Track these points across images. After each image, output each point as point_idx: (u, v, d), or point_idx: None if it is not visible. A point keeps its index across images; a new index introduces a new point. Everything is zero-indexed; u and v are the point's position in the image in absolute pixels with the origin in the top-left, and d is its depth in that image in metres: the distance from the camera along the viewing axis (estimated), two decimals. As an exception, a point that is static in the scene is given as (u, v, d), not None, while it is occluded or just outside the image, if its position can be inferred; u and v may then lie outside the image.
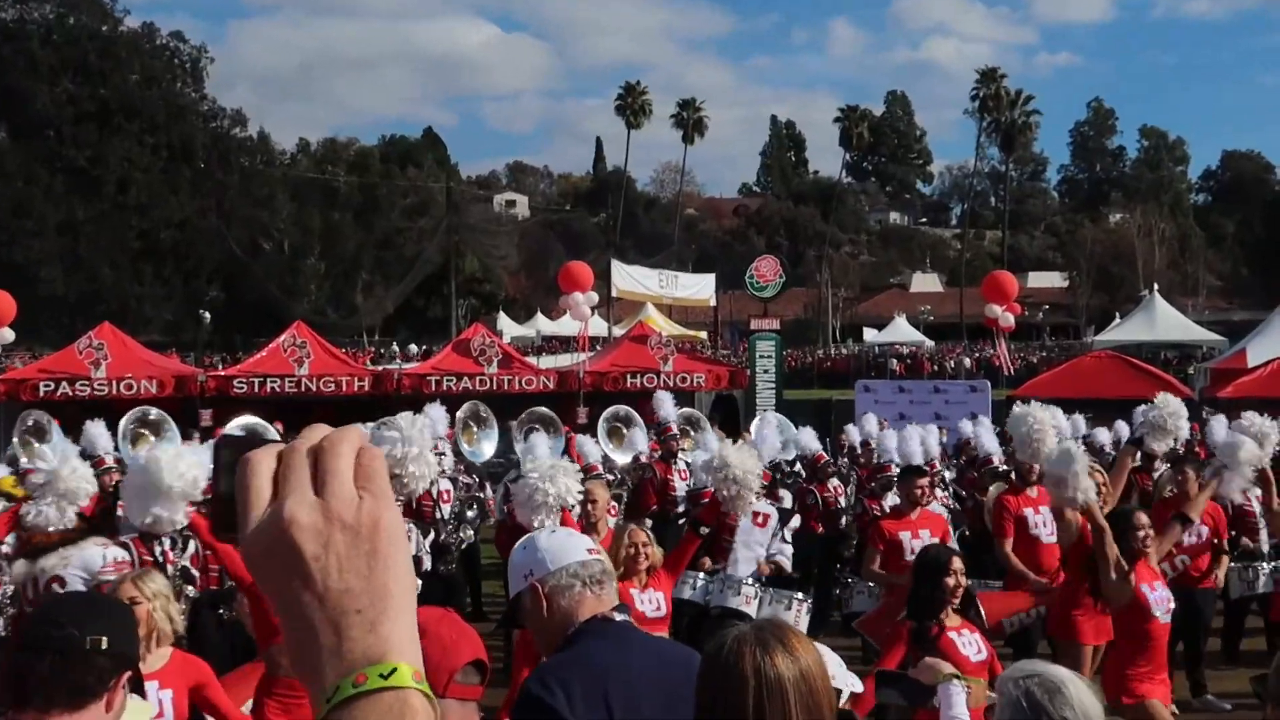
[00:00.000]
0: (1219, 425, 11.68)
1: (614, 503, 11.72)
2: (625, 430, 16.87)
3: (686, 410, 18.79)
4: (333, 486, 1.12)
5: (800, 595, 9.63)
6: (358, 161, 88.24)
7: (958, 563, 5.96)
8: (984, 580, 9.71)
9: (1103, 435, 14.19)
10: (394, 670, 1.08)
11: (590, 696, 3.08)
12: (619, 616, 3.33)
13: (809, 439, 14.40)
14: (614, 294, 37.26)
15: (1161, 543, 7.37)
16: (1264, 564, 10.22)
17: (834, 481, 13.30)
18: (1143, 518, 7.19)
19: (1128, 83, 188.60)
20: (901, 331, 68.26)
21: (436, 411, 13.63)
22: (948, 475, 14.53)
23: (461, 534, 12.45)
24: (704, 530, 7.38)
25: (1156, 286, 50.78)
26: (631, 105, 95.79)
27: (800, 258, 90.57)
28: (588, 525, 8.43)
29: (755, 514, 9.65)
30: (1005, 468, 11.69)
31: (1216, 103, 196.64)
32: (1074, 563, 7.80)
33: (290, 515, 1.10)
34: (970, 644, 5.85)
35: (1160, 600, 7.00)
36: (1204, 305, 77.92)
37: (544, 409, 16.09)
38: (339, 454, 1.13)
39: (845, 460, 15.75)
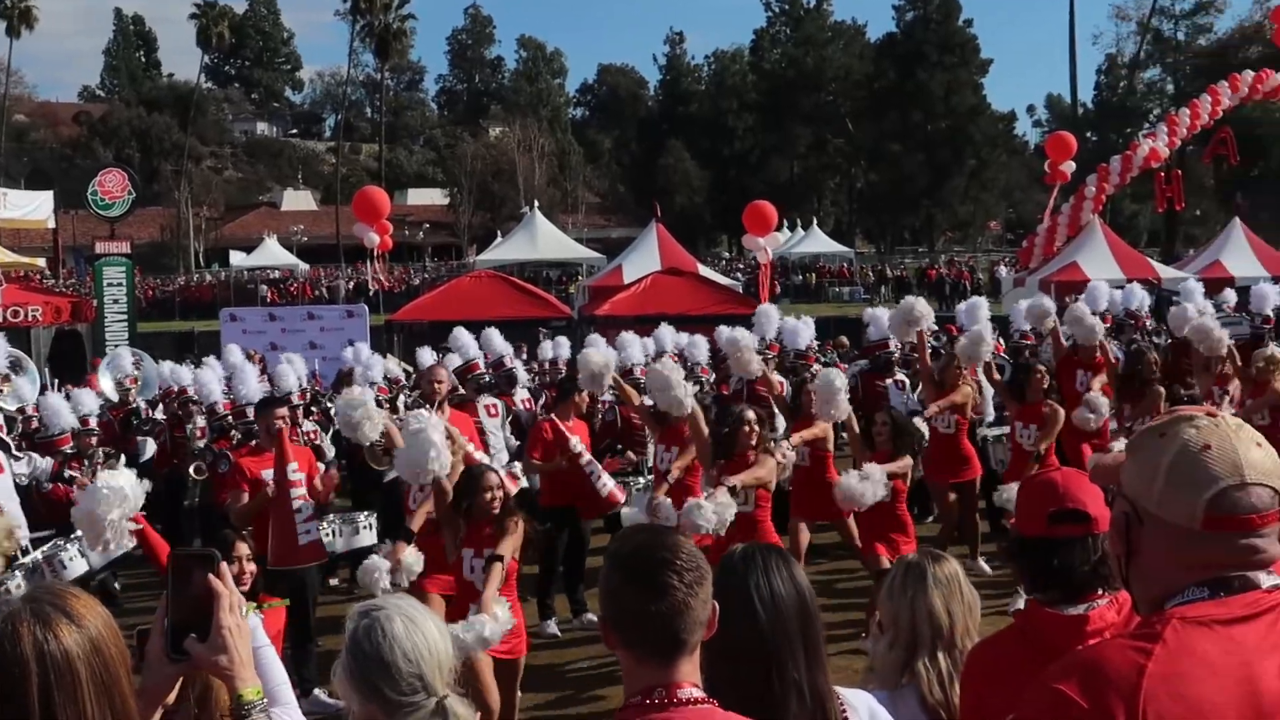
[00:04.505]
0: (596, 341, 12.55)
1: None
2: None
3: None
4: None
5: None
6: None
7: (243, 548, 6.48)
8: None
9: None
10: None
11: None
12: None
13: (182, 374, 13.99)
14: (-76, 215, 34.03)
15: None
16: (640, 479, 11.10)
17: (200, 421, 12.97)
18: (493, 478, 7.65)
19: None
20: (273, 254, 67.43)
21: None
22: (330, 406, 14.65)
23: None
24: None
25: (537, 204, 53.48)
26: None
27: (155, 173, 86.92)
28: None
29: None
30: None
31: (592, 14, 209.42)
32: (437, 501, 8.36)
33: None
34: None
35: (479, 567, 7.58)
36: (583, 223, 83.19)
37: None
38: None
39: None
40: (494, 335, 13.81)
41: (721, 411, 8.84)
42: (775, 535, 8.90)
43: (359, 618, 3.03)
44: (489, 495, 7.25)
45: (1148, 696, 2.00)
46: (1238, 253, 32.57)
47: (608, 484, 10.25)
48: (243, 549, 6.36)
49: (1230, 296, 18.87)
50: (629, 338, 13.01)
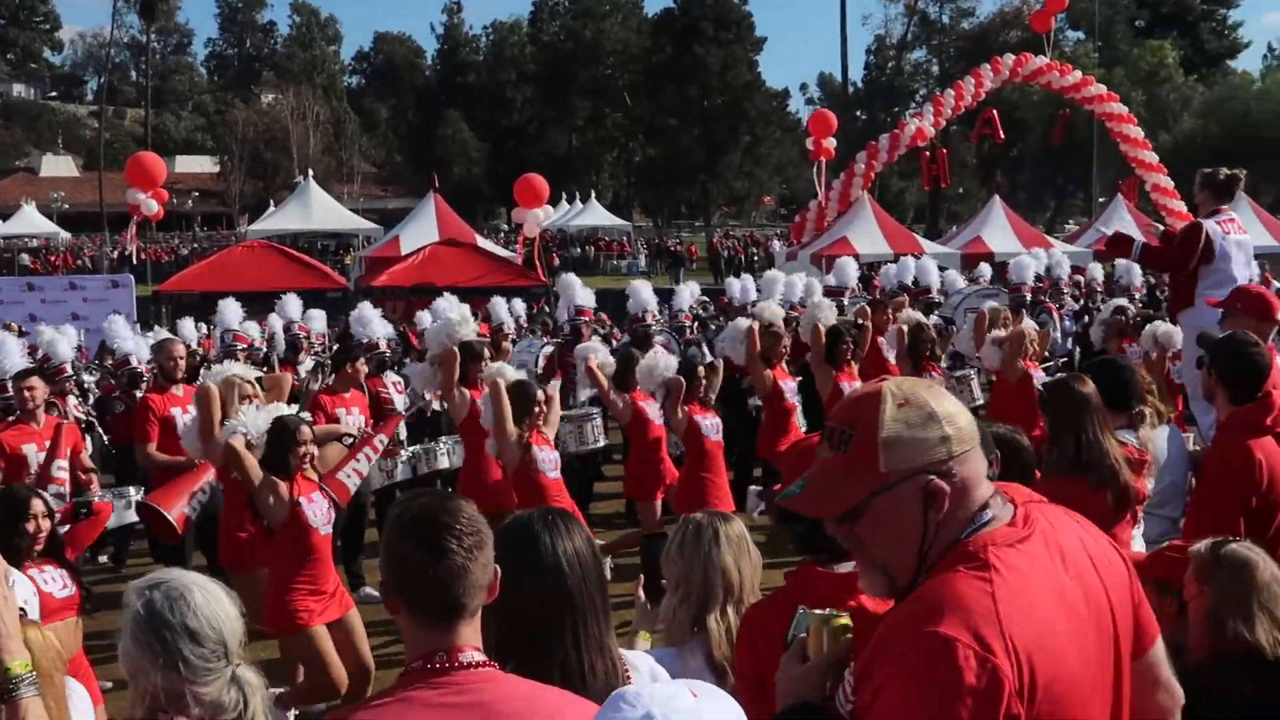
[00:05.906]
0: (365, 312, 12.37)
1: None
2: None
3: None
4: None
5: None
6: None
7: (39, 505, 6.02)
8: None
9: (253, 329, 14.37)
10: None
11: None
12: None
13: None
14: None
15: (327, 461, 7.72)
16: (404, 451, 10.95)
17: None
18: (306, 431, 7.27)
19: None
20: (31, 221, 64.80)
21: None
22: (88, 379, 14.21)
23: None
24: None
25: (312, 173, 52.42)
26: None
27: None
28: None
29: None
30: (142, 369, 11.75)
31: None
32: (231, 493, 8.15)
33: None
34: (54, 580, 6.02)
35: (320, 513, 7.13)
36: (360, 193, 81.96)
37: None
38: None
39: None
40: (231, 306, 13.73)
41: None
42: None
43: (150, 590, 2.98)
44: (303, 450, 7.11)
45: (1005, 621, 2.07)
46: (997, 229, 33.80)
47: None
48: (38, 506, 6.00)
49: (986, 270, 19.70)
50: (367, 313, 12.68)
